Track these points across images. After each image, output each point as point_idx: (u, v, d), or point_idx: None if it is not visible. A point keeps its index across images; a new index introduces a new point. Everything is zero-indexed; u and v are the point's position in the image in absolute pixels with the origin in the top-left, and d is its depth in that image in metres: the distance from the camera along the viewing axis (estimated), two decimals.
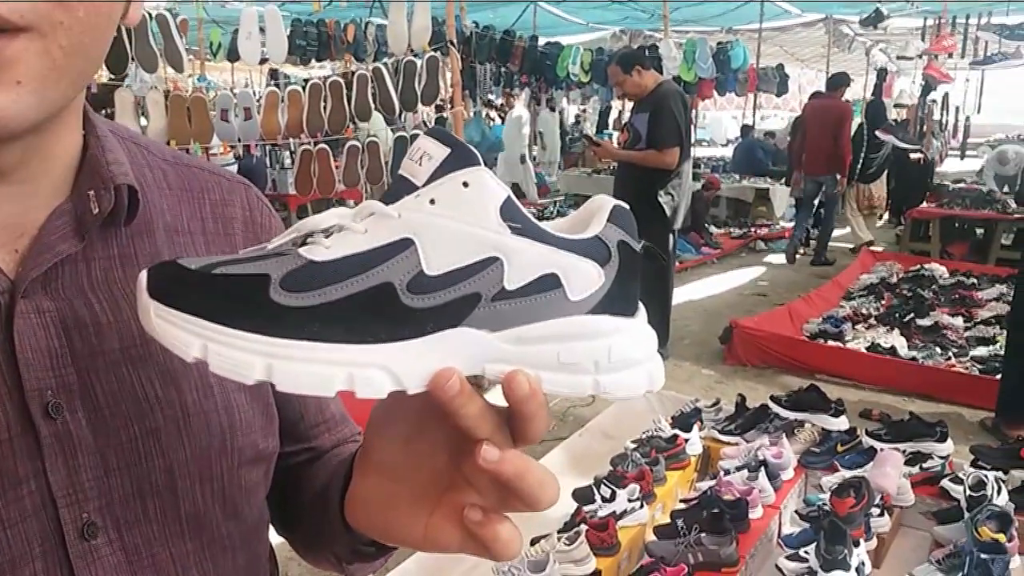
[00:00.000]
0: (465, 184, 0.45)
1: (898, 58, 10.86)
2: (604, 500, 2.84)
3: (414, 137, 4.28)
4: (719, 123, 24.93)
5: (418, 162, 0.46)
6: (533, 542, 2.63)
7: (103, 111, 4.07)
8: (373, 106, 4.20)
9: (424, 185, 0.45)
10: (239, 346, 0.42)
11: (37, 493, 0.50)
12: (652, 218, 4.66)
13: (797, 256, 8.40)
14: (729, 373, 4.94)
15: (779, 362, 4.96)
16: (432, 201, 0.45)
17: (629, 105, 5.37)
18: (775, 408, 3.54)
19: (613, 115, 13.45)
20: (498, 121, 14.46)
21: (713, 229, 9.39)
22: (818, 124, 7.68)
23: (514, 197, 0.47)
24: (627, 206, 0.50)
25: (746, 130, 13.60)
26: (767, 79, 8.48)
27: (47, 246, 0.51)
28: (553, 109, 14.43)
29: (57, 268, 0.52)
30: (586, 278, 0.47)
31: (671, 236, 4.86)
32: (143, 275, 0.43)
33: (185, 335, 0.41)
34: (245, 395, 0.61)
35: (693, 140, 11.74)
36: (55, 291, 0.52)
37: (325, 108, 4.16)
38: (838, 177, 7.73)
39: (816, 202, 8.38)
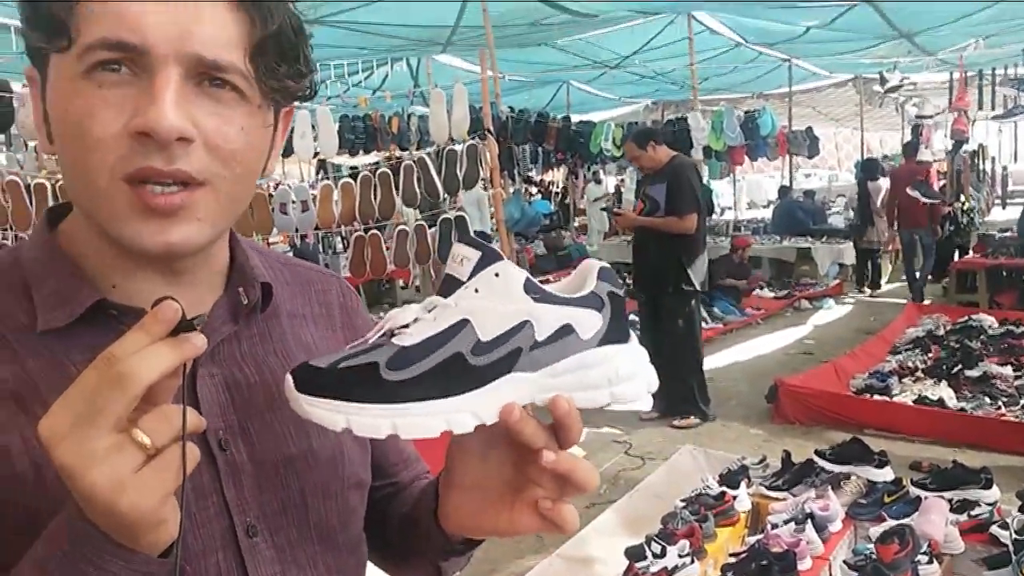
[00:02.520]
0: (496, 274, 0.65)
1: (916, 117, 11.08)
2: (655, 556, 2.94)
3: (458, 219, 4.55)
4: (758, 185, 25.10)
5: (460, 263, 0.66)
6: None
7: None
8: (419, 192, 4.49)
9: (468, 280, 0.65)
10: (370, 414, 0.60)
11: (218, 503, 0.69)
12: (673, 278, 4.96)
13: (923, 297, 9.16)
14: (777, 432, 5.00)
15: (827, 419, 5.00)
16: (476, 290, 0.64)
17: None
18: (820, 462, 3.62)
19: None
20: (538, 197, 14.89)
21: (756, 292, 9.43)
22: (904, 185, 8.82)
23: (531, 276, 0.67)
24: (608, 265, 0.70)
25: (784, 191, 13.71)
26: (797, 142, 8.65)
27: (213, 328, 0.71)
28: (599, 182, 14.82)
29: (220, 344, 0.72)
30: (590, 322, 0.66)
31: (693, 298, 5.05)
32: (289, 378, 0.61)
33: (331, 415, 0.60)
34: (349, 436, 0.81)
35: (733, 203, 11.78)
36: (219, 360, 0.72)
37: (375, 197, 4.47)
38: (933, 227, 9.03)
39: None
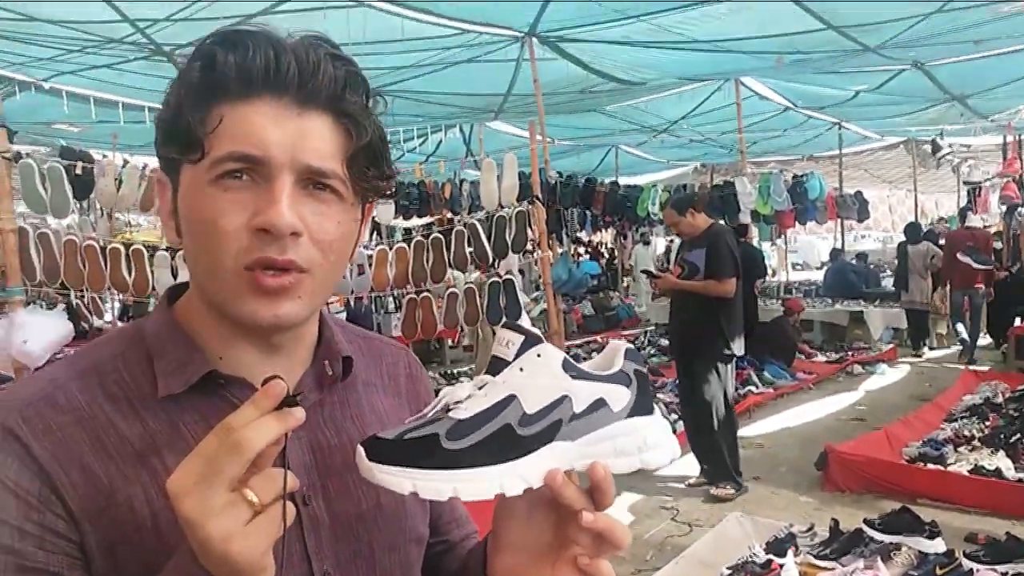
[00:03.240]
0: (538, 355, 0.75)
1: (964, 183, 11.02)
2: None
3: (507, 282, 4.68)
4: (811, 247, 24.93)
5: (506, 346, 0.75)
6: None
7: None
8: (469, 256, 4.64)
9: (513, 360, 0.75)
10: (433, 479, 0.69)
11: (300, 551, 0.79)
12: (710, 341, 5.00)
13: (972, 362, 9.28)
14: (828, 500, 4.91)
15: (878, 487, 4.90)
16: (521, 369, 0.74)
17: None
18: (869, 532, 3.58)
19: None
20: (586, 258, 15.03)
21: (809, 355, 9.35)
22: (961, 249, 9.22)
23: (568, 357, 0.76)
24: (634, 347, 0.79)
25: (835, 254, 13.62)
26: (846, 206, 8.63)
27: (303, 396, 0.80)
28: (648, 243, 14.92)
29: (307, 410, 0.81)
30: (620, 397, 0.76)
31: (728, 363, 5.08)
32: (360, 448, 0.69)
33: (399, 480, 0.68)
34: (413, 497, 0.90)
35: (781, 265, 11.63)
36: (305, 425, 0.79)
37: (427, 261, 4.63)
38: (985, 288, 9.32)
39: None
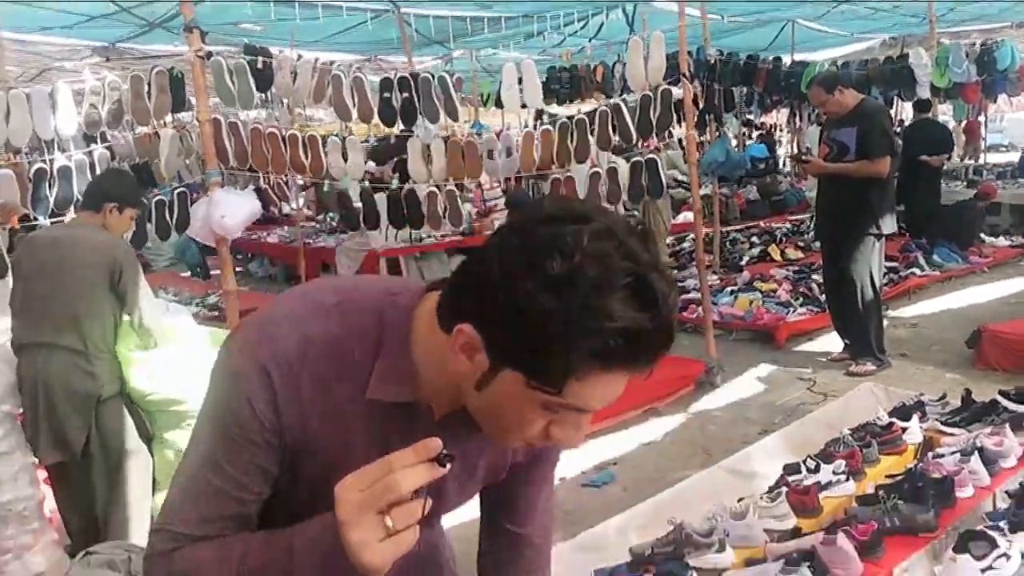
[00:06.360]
0: None
1: None
2: (809, 471, 3.15)
3: (649, 161, 4.84)
4: (1019, 124, 22.47)
5: None
6: (739, 500, 3.03)
7: (397, 157, 5.12)
8: (613, 137, 4.82)
9: None
10: None
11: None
12: (858, 219, 4.94)
13: None
14: (977, 376, 4.82)
15: None
16: None
17: None
18: (1004, 402, 3.58)
19: None
20: (755, 141, 14.50)
21: (989, 239, 8.78)
22: None
23: None
24: None
25: None
26: None
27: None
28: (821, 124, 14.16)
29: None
30: None
31: (877, 241, 4.99)
32: None
33: None
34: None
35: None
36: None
37: (572, 142, 4.85)
38: None
39: None
